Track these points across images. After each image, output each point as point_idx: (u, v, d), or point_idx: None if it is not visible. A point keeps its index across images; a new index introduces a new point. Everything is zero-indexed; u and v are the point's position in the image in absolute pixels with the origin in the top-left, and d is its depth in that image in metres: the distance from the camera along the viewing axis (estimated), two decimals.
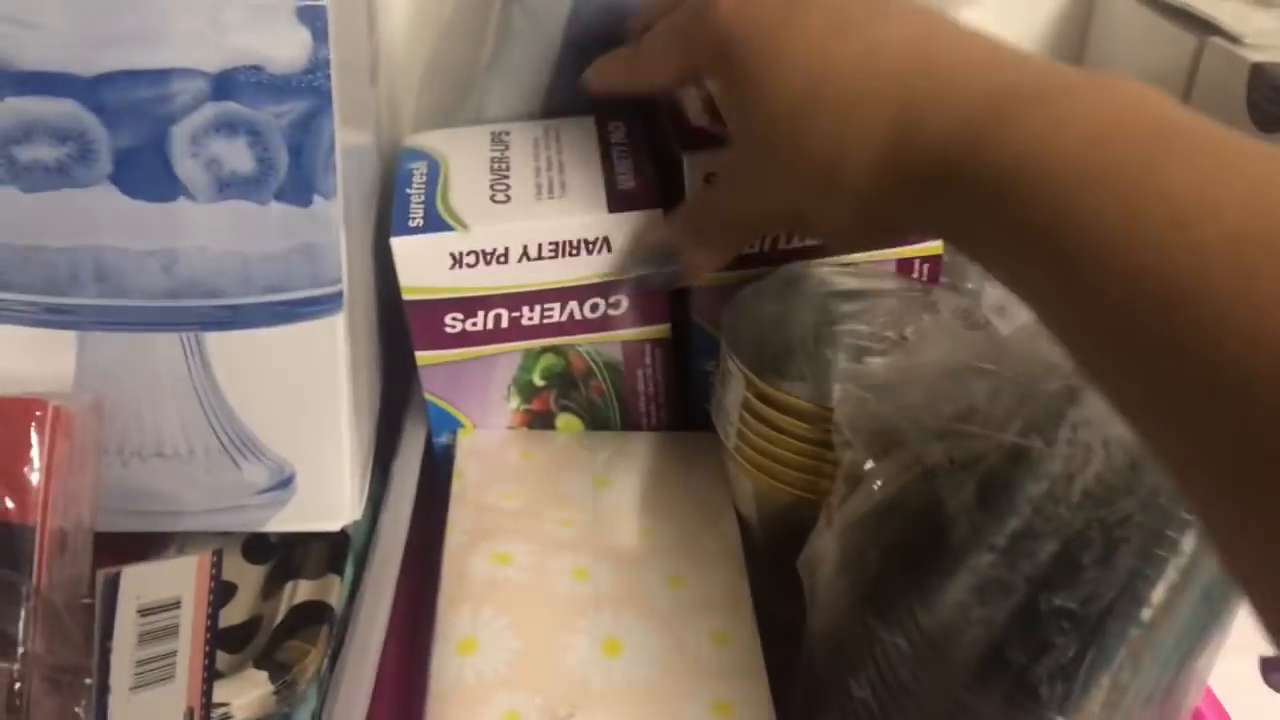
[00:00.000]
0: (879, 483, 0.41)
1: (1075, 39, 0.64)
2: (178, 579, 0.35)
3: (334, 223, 0.39)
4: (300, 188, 0.38)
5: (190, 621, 0.35)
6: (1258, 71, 0.49)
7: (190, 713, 0.34)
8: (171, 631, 0.34)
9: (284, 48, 0.37)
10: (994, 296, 0.49)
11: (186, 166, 0.38)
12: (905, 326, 0.46)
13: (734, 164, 0.40)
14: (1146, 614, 0.37)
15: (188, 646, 0.34)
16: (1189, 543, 0.36)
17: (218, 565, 0.36)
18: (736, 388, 0.44)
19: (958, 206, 0.32)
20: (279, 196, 0.38)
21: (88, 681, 0.32)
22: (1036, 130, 0.30)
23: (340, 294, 0.40)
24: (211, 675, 0.35)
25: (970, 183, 0.31)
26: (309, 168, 0.38)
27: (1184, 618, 0.37)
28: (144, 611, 0.34)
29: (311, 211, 0.39)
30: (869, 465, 0.40)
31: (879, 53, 0.34)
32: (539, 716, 0.38)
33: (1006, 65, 0.33)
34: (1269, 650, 0.55)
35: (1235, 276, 0.25)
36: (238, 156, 0.38)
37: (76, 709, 0.33)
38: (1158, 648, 0.37)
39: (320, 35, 0.37)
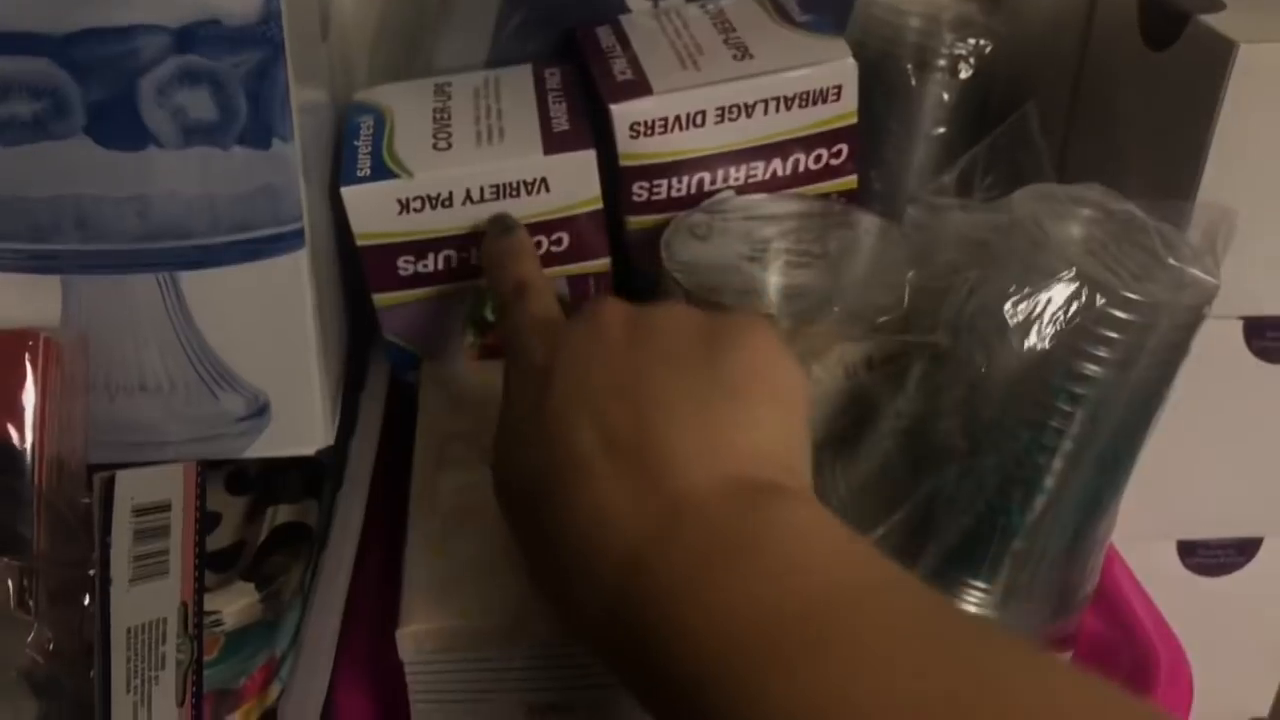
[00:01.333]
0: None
1: None
2: (167, 483, 0.38)
3: (293, 163, 0.43)
4: (260, 132, 0.42)
5: (180, 523, 0.38)
6: None
7: (185, 607, 0.38)
8: (163, 531, 0.38)
9: (238, 2, 0.40)
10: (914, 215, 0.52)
11: (154, 116, 0.41)
12: (828, 242, 0.50)
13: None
14: (1049, 481, 0.41)
15: (179, 546, 0.38)
16: (1081, 416, 0.39)
17: (202, 474, 0.40)
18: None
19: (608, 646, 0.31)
20: (241, 141, 0.42)
21: (91, 574, 0.36)
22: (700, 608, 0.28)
23: (301, 231, 0.44)
24: (202, 573, 0.39)
25: (619, 628, 0.30)
26: (267, 113, 0.41)
27: (1081, 485, 0.41)
28: (138, 511, 0.37)
29: (271, 154, 0.42)
30: None
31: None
32: (501, 605, 0.42)
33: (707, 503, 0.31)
34: (1186, 536, 0.59)
35: None
36: (201, 105, 0.41)
37: (82, 600, 0.36)
38: (1060, 512, 0.41)
39: None
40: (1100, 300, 0.37)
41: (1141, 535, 0.58)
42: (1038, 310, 0.37)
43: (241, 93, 0.41)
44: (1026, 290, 0.37)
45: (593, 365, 0.35)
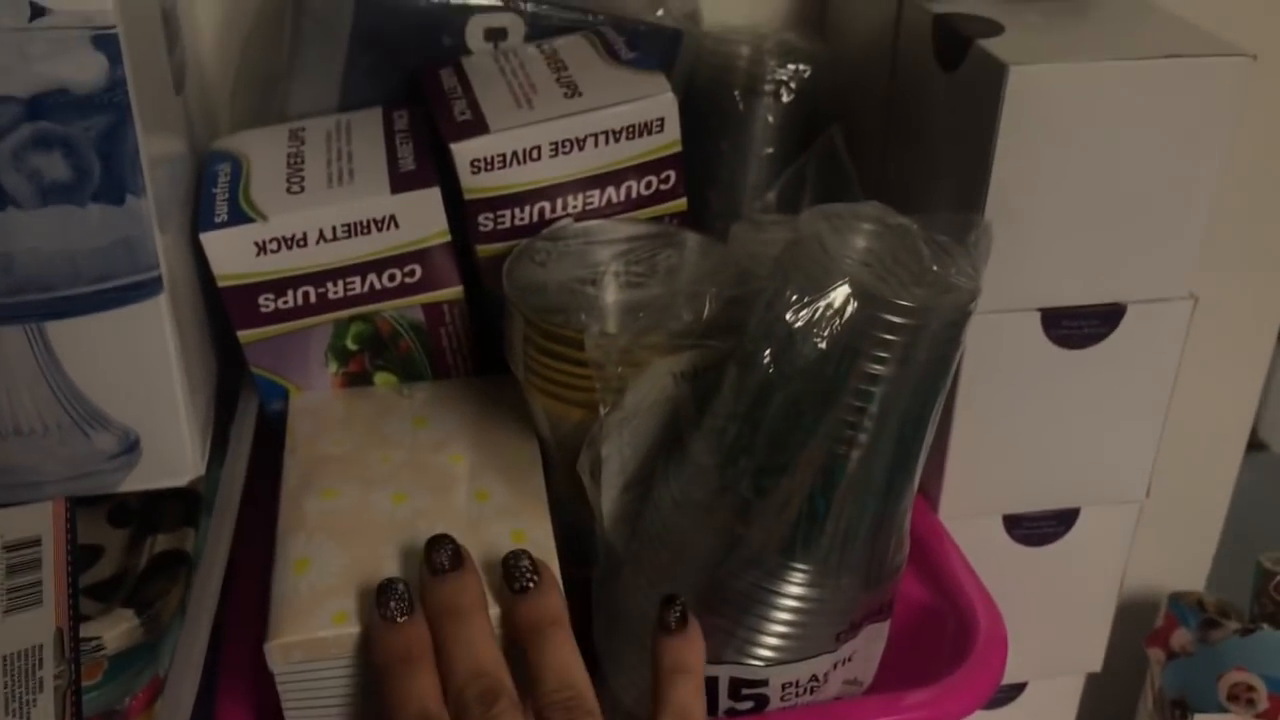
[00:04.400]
0: (633, 392, 0.49)
1: (817, 6, 0.73)
2: (36, 520, 0.41)
3: (147, 216, 0.46)
4: (113, 189, 0.45)
5: (51, 555, 0.41)
6: (939, 21, 0.58)
7: (60, 633, 0.41)
8: (35, 564, 0.41)
9: (84, 72, 0.43)
10: (736, 233, 0.57)
11: (11, 179, 0.44)
12: (658, 261, 0.54)
13: None
14: (850, 468, 0.45)
15: (51, 577, 0.41)
16: (872, 410, 0.44)
17: (71, 507, 0.43)
18: (518, 326, 0.52)
19: None
20: (96, 198, 0.45)
21: None
22: None
23: (159, 278, 0.47)
24: (76, 599, 0.42)
25: None
26: (119, 171, 0.45)
27: (879, 469, 0.46)
28: (9, 548, 0.40)
29: (126, 209, 0.45)
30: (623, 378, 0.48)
31: None
32: (364, 610, 0.45)
33: None
34: (1010, 510, 0.65)
35: None
36: (56, 167, 0.44)
37: None
38: (862, 496, 0.46)
39: (115, 58, 0.43)
40: (873, 306, 0.41)
41: (969, 513, 0.64)
42: (816, 316, 0.42)
43: (94, 154, 0.44)
44: (806, 299, 0.42)
45: None
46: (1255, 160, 0.79)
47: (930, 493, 0.63)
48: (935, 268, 0.43)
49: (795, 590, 0.47)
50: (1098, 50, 0.54)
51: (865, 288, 0.42)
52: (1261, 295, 0.87)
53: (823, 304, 0.42)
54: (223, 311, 0.55)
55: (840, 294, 0.42)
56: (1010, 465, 0.63)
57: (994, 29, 0.56)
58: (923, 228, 0.45)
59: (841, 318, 0.42)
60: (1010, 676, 0.71)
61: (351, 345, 0.57)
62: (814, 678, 0.49)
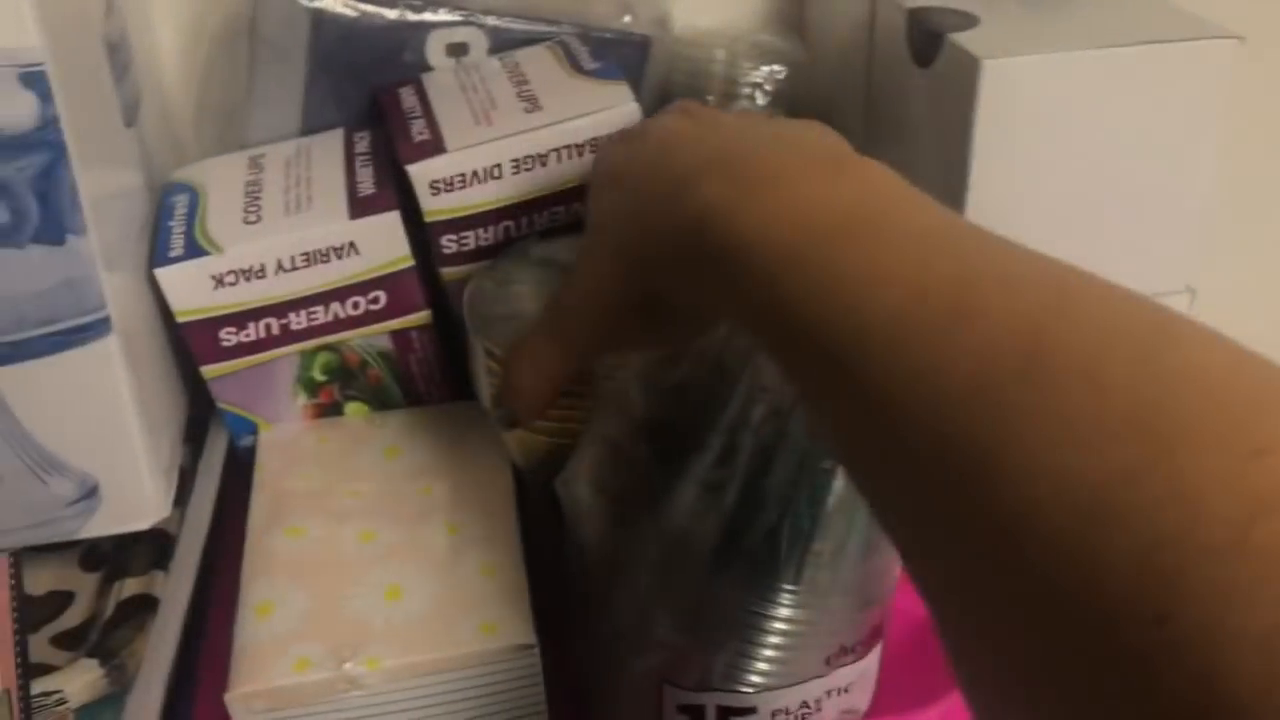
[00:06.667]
0: (604, 412, 0.47)
1: (795, 6, 0.71)
2: None
3: (90, 256, 0.44)
4: (52, 229, 0.43)
5: None
6: (913, 16, 0.56)
7: (8, 694, 0.39)
8: None
9: (13, 111, 0.42)
10: None
11: None
12: None
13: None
14: (836, 483, 0.43)
15: None
16: None
17: (16, 566, 0.41)
18: (479, 356, 0.50)
19: (703, 285, 0.34)
20: (35, 240, 0.43)
21: None
22: (756, 218, 0.32)
23: (107, 319, 0.45)
24: (24, 658, 0.40)
25: (707, 261, 0.33)
26: (57, 211, 0.43)
27: None
28: None
29: (67, 249, 0.44)
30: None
31: (669, 146, 0.37)
32: (326, 659, 0.44)
33: (756, 152, 0.34)
34: None
35: (891, 355, 0.27)
36: None
37: None
38: (850, 511, 0.44)
39: (45, 96, 0.42)
40: None
41: None
42: None
43: (30, 194, 0.43)
44: None
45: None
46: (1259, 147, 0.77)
47: None
48: None
49: (783, 612, 0.45)
50: (1074, 40, 0.51)
51: None
52: (1267, 287, 0.85)
53: None
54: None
55: None
56: None
57: (969, 22, 0.54)
58: None
59: None
60: None
61: (319, 376, 0.55)
62: (805, 704, 0.47)
